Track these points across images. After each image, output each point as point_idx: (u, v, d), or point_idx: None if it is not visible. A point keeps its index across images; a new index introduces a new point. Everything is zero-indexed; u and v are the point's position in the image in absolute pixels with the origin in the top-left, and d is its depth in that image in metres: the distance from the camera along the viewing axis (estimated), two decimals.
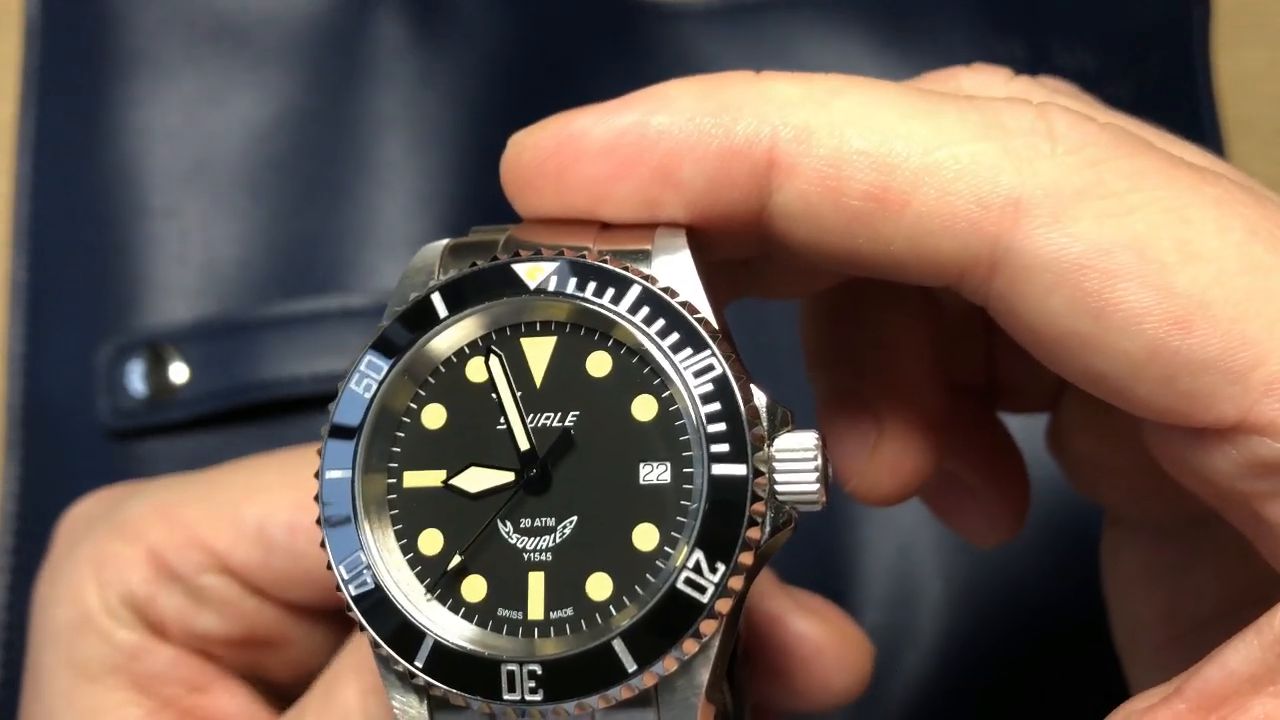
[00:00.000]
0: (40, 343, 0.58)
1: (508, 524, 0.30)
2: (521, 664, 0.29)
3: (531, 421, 0.30)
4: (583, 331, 0.30)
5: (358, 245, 0.58)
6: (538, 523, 0.30)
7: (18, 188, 0.59)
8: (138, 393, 0.56)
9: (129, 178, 0.59)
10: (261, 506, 0.39)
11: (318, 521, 0.30)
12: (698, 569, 0.28)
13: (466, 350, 0.31)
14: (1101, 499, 0.41)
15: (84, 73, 0.60)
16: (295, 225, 0.59)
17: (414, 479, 0.31)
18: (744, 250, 0.33)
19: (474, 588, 0.30)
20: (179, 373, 0.57)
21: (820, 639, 0.40)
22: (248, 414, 0.56)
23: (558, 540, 0.30)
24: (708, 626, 0.28)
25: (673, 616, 0.28)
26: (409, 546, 0.30)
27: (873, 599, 0.54)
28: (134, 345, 0.57)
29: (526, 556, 0.30)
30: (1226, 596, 0.37)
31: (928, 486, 0.39)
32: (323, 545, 0.30)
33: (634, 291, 0.30)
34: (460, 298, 0.30)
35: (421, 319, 0.31)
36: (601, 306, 0.30)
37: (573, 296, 0.30)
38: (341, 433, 0.31)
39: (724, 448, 0.29)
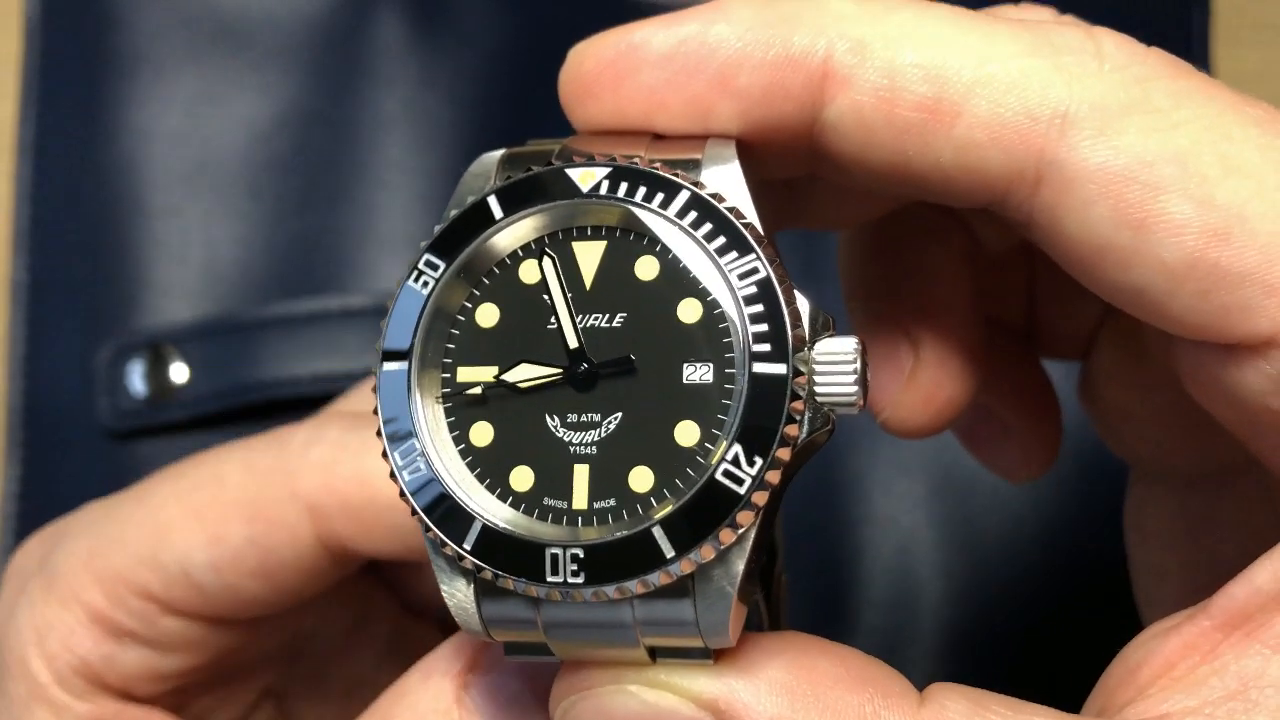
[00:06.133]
0: (40, 343, 0.58)
1: (555, 418, 0.31)
2: (565, 548, 0.29)
3: (581, 322, 0.31)
4: (632, 236, 0.31)
5: (358, 245, 0.59)
6: (584, 418, 0.31)
7: (18, 188, 0.60)
8: (138, 393, 0.57)
9: (129, 178, 0.59)
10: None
11: (375, 411, 0.31)
12: (736, 462, 0.29)
13: (520, 252, 0.32)
14: (1129, 451, 0.41)
15: (84, 73, 0.60)
16: (295, 225, 0.59)
17: (467, 374, 0.32)
18: (792, 168, 0.34)
19: (522, 478, 0.31)
20: (179, 373, 0.57)
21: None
22: (248, 414, 0.56)
23: (603, 435, 0.30)
24: (744, 517, 0.29)
25: (711, 507, 0.29)
26: (461, 438, 0.31)
27: (873, 599, 0.54)
28: (134, 345, 0.57)
29: (572, 450, 0.31)
30: (1251, 546, 0.37)
31: (962, 420, 0.39)
32: (379, 435, 0.31)
33: (682, 196, 0.31)
34: (516, 200, 0.31)
35: (478, 220, 0.32)
36: (650, 210, 0.31)
37: (623, 200, 0.31)
38: (396, 352, 0.32)
39: (765, 347, 0.30)
